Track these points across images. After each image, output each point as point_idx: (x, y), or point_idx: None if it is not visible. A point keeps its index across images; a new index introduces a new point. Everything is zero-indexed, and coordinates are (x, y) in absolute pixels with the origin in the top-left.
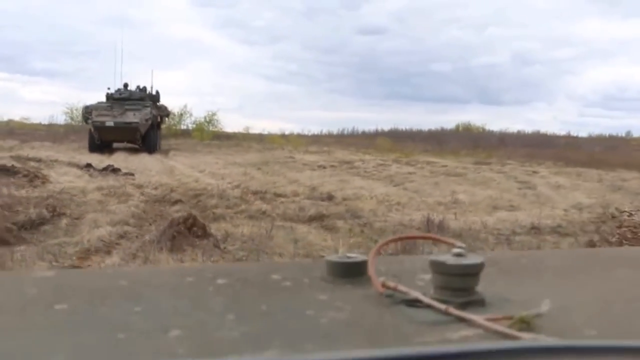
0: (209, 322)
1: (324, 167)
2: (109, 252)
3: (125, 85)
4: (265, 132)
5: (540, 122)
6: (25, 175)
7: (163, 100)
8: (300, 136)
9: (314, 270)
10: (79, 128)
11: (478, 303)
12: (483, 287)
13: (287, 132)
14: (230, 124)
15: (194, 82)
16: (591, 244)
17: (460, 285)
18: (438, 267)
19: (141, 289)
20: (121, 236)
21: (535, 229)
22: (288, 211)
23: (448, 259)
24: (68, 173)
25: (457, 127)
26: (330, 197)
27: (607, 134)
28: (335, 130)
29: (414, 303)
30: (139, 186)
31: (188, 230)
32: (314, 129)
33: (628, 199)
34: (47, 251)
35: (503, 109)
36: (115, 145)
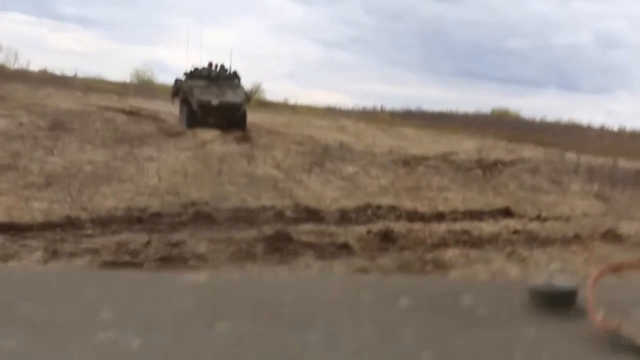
0: None
1: (324, 127)
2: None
3: (210, 65)
4: (300, 104)
5: (620, 114)
6: (159, 120)
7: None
8: (328, 109)
9: (510, 295)
10: (145, 88)
11: None
12: None
13: (319, 105)
14: (277, 91)
15: (243, 42)
16: None
17: None
18: None
19: (312, 307)
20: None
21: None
22: (287, 135)
23: None
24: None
25: (493, 111)
26: (307, 136)
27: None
28: (378, 105)
29: None
30: None
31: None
32: (369, 103)
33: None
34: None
35: (581, 97)
36: None
